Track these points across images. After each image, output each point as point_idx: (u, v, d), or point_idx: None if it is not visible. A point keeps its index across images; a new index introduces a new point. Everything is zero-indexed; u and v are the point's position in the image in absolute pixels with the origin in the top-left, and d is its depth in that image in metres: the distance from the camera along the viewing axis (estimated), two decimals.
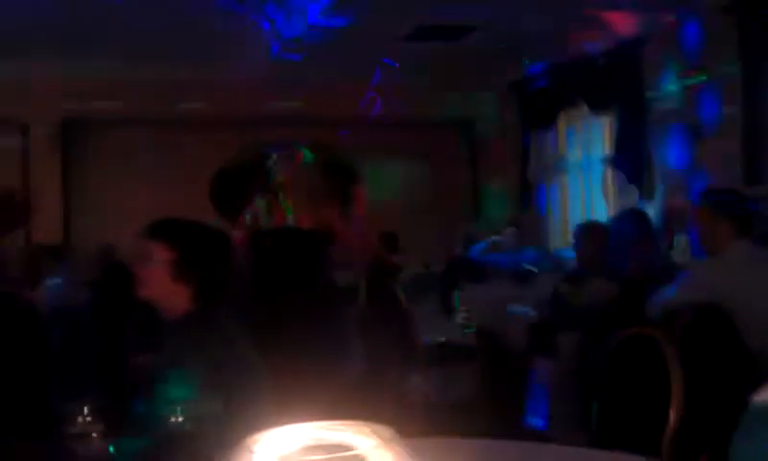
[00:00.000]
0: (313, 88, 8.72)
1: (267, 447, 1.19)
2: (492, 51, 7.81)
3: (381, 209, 8.48)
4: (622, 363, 2.80)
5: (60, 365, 5.78)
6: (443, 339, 5.88)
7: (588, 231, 4.88)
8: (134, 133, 8.32)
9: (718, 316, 3.16)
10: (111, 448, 1.91)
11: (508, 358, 5.15)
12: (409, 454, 1.13)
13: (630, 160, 7.60)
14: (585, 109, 8.39)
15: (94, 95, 8.06)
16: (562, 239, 8.63)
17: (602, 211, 7.91)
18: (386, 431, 1.19)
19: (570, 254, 6.44)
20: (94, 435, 1.94)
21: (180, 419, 1.87)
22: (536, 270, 6.84)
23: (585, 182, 8.69)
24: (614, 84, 7.75)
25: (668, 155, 7.19)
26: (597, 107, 8.16)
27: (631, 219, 5.45)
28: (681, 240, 5.82)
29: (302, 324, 3.03)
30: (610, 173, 8.08)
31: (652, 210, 6.90)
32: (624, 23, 7.21)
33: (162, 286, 2.26)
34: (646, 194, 7.36)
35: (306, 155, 3.43)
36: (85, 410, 1.97)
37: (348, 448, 1.15)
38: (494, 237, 7.95)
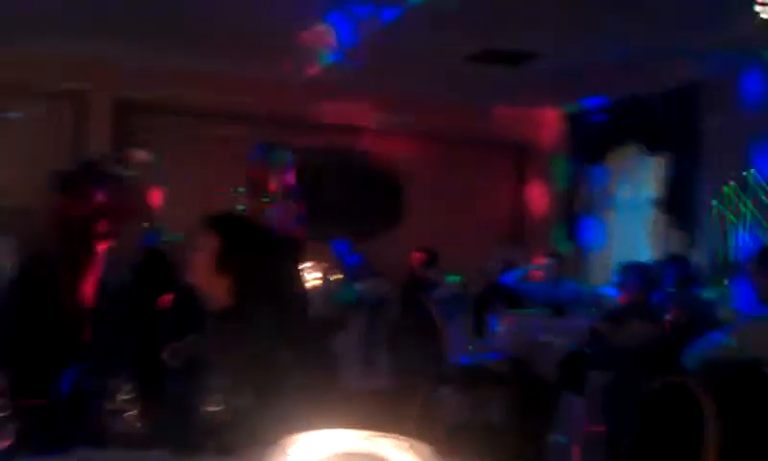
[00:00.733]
0: (366, 97, 8.76)
1: (302, 450, 1.20)
2: (552, 79, 7.78)
3: (426, 224, 8.60)
4: (657, 410, 2.76)
5: (96, 338, 5.86)
6: (473, 361, 5.87)
7: (633, 272, 4.84)
8: (183, 121, 8.39)
9: (762, 374, 3.10)
10: (147, 430, 1.94)
11: (537, 388, 5.12)
12: None
13: (679, 204, 7.52)
14: (638, 147, 8.30)
15: (150, 81, 8.16)
16: (601, 276, 8.54)
17: (646, 253, 7.81)
18: (425, 449, 1.19)
19: (609, 292, 6.40)
20: (131, 413, 1.97)
21: (217, 408, 1.89)
22: (573, 303, 6.79)
23: (631, 222, 8.59)
24: (671, 125, 7.67)
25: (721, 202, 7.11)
26: (651, 146, 8.08)
27: (676, 264, 5.41)
28: (726, 291, 5.75)
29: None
30: (658, 215, 7.98)
31: (698, 257, 6.84)
32: (684, 66, 7.14)
33: (206, 275, 2.30)
34: (694, 240, 7.27)
35: None
36: (125, 388, 2.00)
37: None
38: (533, 265, 7.90)
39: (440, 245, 7.70)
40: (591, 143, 8.97)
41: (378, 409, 3.29)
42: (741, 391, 3.07)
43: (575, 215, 9.21)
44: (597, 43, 6.67)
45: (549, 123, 9.67)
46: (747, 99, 6.86)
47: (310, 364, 2.40)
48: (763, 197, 6.71)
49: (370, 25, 6.52)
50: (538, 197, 9.79)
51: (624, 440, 2.74)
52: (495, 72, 7.72)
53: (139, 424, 1.99)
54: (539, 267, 7.79)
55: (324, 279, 6.57)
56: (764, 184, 6.72)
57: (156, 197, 4.09)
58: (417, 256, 7.71)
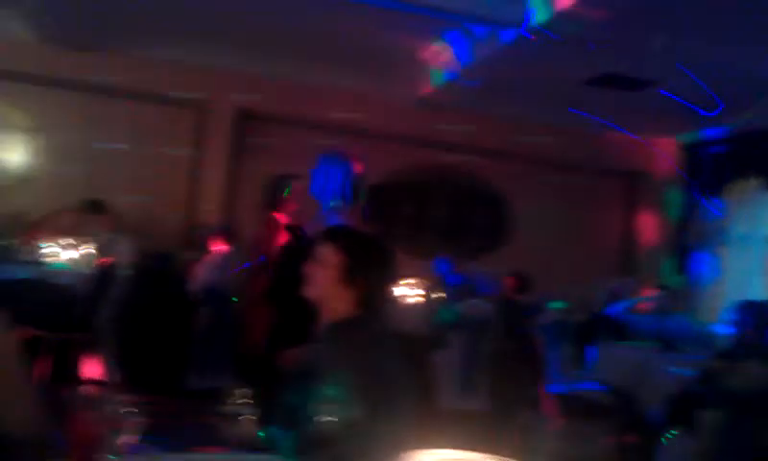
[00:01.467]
0: (478, 117, 8.75)
1: None
2: (672, 108, 7.59)
3: (530, 248, 8.50)
4: None
5: (204, 341, 6.05)
6: (572, 389, 5.76)
7: (750, 310, 4.65)
8: (295, 133, 8.57)
9: None
10: (261, 435, 1.97)
11: (642, 424, 4.98)
12: None
13: None
14: (757, 181, 8.02)
15: (267, 92, 8.39)
16: (712, 313, 8.25)
17: (760, 291, 7.51)
18: None
19: (720, 329, 6.17)
20: (246, 418, 2.01)
21: (331, 419, 1.90)
22: (682, 338, 6.58)
23: (745, 258, 8.29)
24: None
25: None
26: None
27: None
28: None
29: None
30: None
31: None
32: None
33: (329, 288, 2.34)
34: None
35: None
36: (240, 392, 2.04)
37: None
38: (642, 297, 7.70)
39: (544, 270, 7.59)
40: (708, 175, 8.71)
41: (474, 431, 3.26)
42: None
43: (687, 248, 8.94)
44: (718, 73, 6.48)
45: (664, 152, 9.44)
46: None
47: (413, 381, 2.40)
48: None
49: (487, 45, 6.51)
50: (649, 227, 9.56)
51: None
52: (612, 97, 7.59)
53: (254, 430, 2.02)
54: (647, 299, 7.58)
55: (427, 296, 6.57)
56: None
57: None
58: (508, 281, 7.62)
